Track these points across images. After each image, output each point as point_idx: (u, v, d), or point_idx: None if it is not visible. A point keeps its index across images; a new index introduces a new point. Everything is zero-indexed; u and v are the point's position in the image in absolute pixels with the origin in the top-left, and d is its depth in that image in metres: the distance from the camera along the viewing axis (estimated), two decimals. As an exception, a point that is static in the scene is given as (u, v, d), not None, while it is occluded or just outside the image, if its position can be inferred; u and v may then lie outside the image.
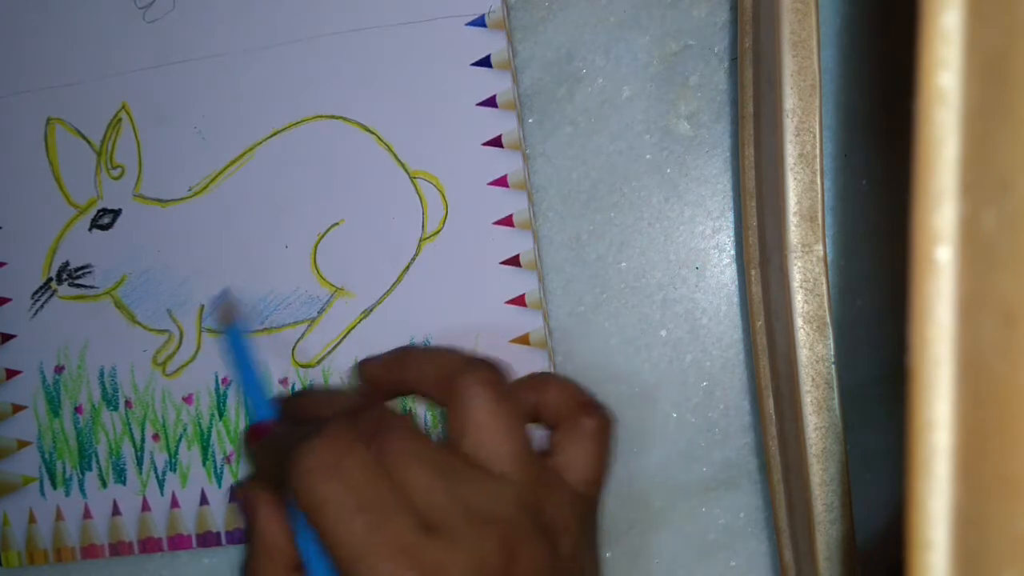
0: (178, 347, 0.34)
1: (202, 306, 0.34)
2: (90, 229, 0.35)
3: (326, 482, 0.26)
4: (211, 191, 0.34)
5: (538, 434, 0.30)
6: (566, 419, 0.30)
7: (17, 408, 0.35)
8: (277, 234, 0.34)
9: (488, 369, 0.29)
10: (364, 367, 0.33)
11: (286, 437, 0.29)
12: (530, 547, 0.27)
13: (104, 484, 0.35)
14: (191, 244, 0.34)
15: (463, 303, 0.33)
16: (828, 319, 0.25)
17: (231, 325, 0.33)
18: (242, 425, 0.34)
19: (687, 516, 0.33)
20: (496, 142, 0.33)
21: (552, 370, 0.33)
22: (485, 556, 0.26)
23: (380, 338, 0.33)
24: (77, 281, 0.35)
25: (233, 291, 0.34)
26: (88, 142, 0.35)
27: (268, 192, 0.34)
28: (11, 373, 0.35)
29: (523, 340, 0.33)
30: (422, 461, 0.27)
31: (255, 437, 0.31)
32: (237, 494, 0.31)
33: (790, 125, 0.25)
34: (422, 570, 0.25)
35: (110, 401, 0.35)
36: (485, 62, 0.33)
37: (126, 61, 0.35)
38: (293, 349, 0.34)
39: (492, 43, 0.33)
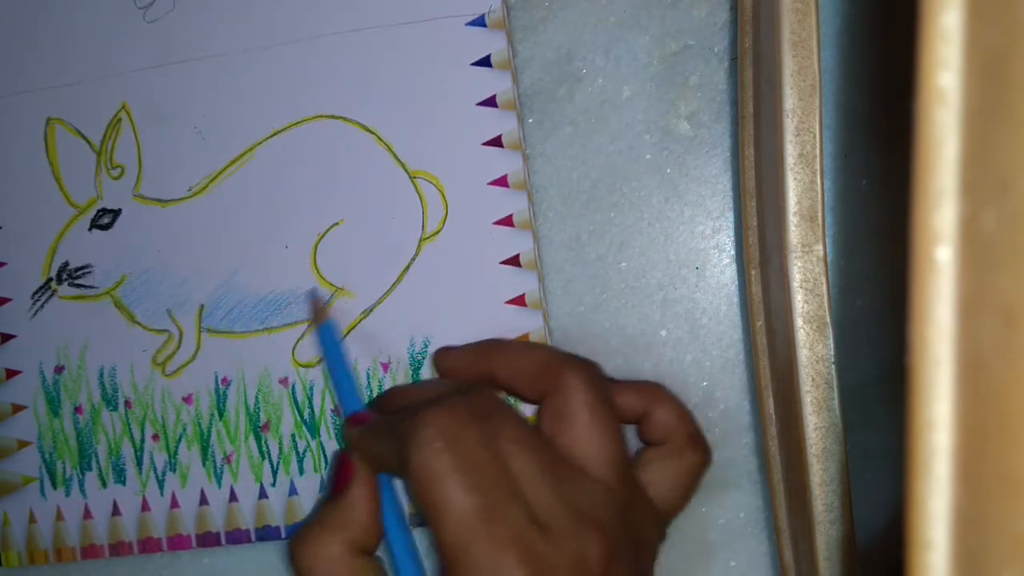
0: (178, 347, 0.34)
1: (201, 306, 0.34)
2: (90, 229, 0.35)
3: (443, 453, 0.25)
4: (211, 191, 0.34)
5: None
6: (671, 445, 0.30)
7: (17, 408, 0.35)
8: (277, 234, 0.34)
9: (590, 367, 0.29)
10: (444, 357, 0.32)
11: (390, 422, 0.28)
12: (624, 555, 0.26)
13: (104, 484, 0.35)
14: (191, 244, 0.34)
15: (463, 303, 0.33)
16: (828, 319, 0.25)
17: (323, 323, 0.33)
18: (242, 426, 0.34)
19: (687, 516, 0.33)
20: (496, 142, 0.33)
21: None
22: (588, 558, 0.25)
23: (380, 338, 0.33)
24: (77, 281, 0.35)
25: (320, 291, 0.34)
26: (88, 142, 0.35)
27: (268, 192, 0.34)
28: (11, 373, 0.35)
29: (523, 340, 0.33)
30: (533, 452, 0.26)
31: (354, 424, 0.30)
32: (339, 457, 0.30)
33: (790, 125, 0.25)
34: (533, 566, 0.24)
35: (110, 401, 0.35)
36: (485, 62, 0.33)
37: (126, 61, 0.35)
38: (293, 349, 0.34)
39: (492, 43, 0.33)
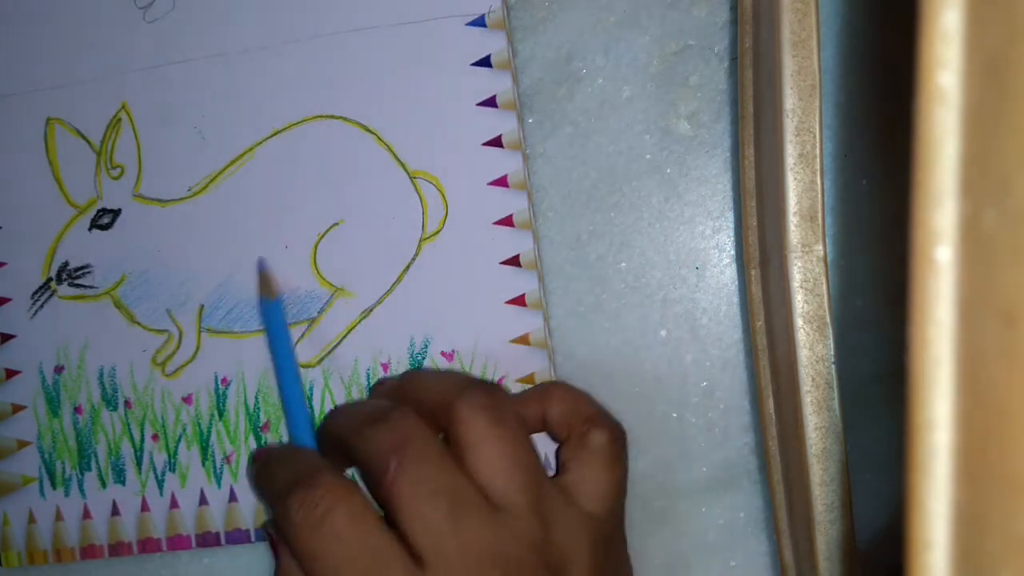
0: (177, 347, 0.34)
1: (201, 306, 0.34)
2: (90, 229, 0.35)
3: (320, 540, 0.26)
4: (211, 191, 0.34)
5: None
6: (573, 434, 0.30)
7: (17, 408, 0.35)
8: (277, 234, 0.34)
9: (484, 393, 0.28)
10: (377, 389, 0.33)
11: (278, 488, 0.29)
12: None
13: (103, 484, 0.35)
14: (191, 244, 0.34)
15: (463, 303, 0.33)
16: (828, 319, 0.25)
17: (267, 297, 0.33)
18: (242, 426, 0.34)
19: (687, 516, 0.33)
20: (496, 142, 0.33)
21: (552, 370, 0.33)
22: None
23: (380, 338, 0.33)
24: (77, 281, 0.35)
25: (268, 263, 0.34)
26: (88, 142, 0.35)
27: (268, 192, 0.34)
28: (11, 373, 0.35)
29: (523, 340, 0.33)
30: (433, 493, 0.26)
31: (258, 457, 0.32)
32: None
33: (790, 125, 0.25)
34: None
35: (110, 401, 0.35)
36: (485, 62, 0.33)
37: (126, 61, 0.35)
38: (293, 349, 0.34)
39: (492, 43, 0.33)
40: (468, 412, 0.28)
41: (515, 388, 0.33)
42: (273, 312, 0.33)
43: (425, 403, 0.29)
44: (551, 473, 0.31)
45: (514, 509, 0.27)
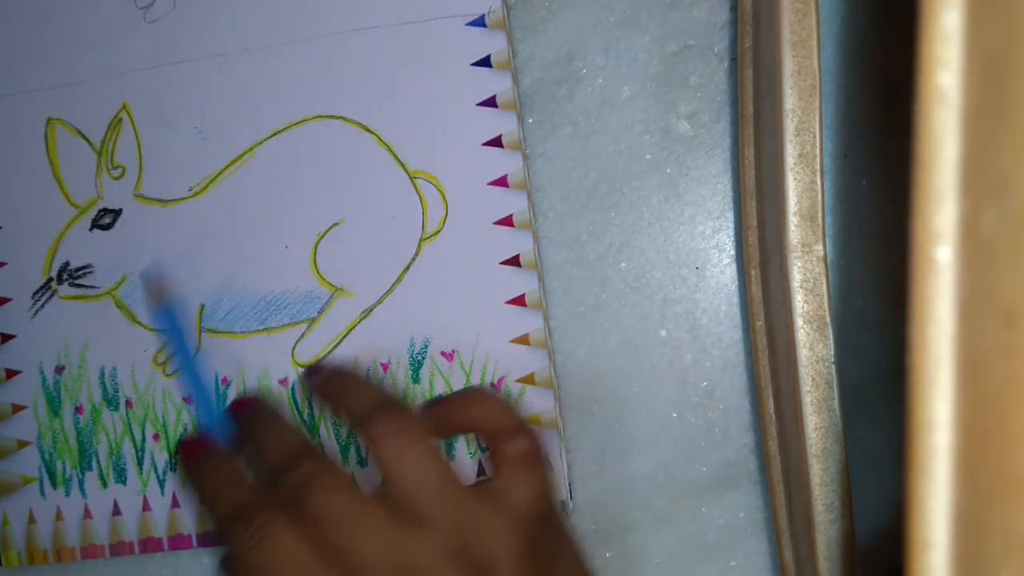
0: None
1: (202, 306, 0.34)
2: (91, 229, 0.35)
3: (250, 561, 0.28)
4: (211, 191, 0.34)
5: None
6: (493, 442, 0.31)
7: (17, 408, 0.35)
8: (277, 234, 0.34)
9: (392, 415, 0.30)
10: (309, 380, 0.33)
11: (213, 510, 0.30)
12: None
13: (104, 484, 0.35)
14: (191, 244, 0.34)
15: (463, 303, 0.33)
16: (828, 319, 0.25)
17: (162, 303, 0.34)
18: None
19: (687, 516, 0.33)
20: (496, 142, 0.33)
21: (552, 370, 0.33)
22: None
23: (380, 338, 0.33)
24: (77, 281, 0.35)
25: (158, 266, 0.34)
26: (89, 142, 0.35)
27: (268, 192, 0.34)
28: (11, 373, 0.35)
29: (523, 340, 0.33)
30: (345, 520, 0.28)
31: (191, 453, 0.32)
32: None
33: (790, 125, 0.25)
34: None
35: (111, 401, 0.35)
36: (485, 62, 0.33)
37: (127, 61, 0.35)
38: (293, 349, 0.34)
39: (492, 43, 0.33)
40: (376, 436, 0.29)
41: (515, 388, 0.33)
42: (164, 318, 0.34)
43: (347, 415, 0.31)
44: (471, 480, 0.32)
45: (430, 521, 0.28)
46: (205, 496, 0.31)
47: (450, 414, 0.31)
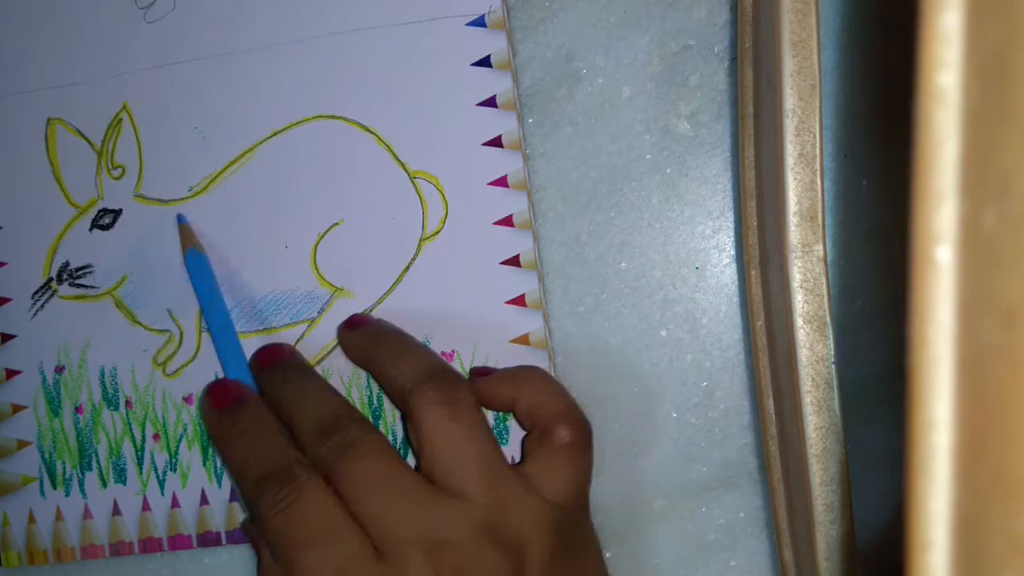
0: (178, 347, 0.34)
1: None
2: (91, 229, 0.35)
3: (282, 521, 0.28)
4: (211, 191, 0.34)
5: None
6: (537, 427, 0.30)
7: (17, 408, 0.35)
8: (277, 234, 0.34)
9: (437, 388, 0.29)
10: (350, 335, 0.32)
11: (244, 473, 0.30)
12: (484, 566, 0.27)
13: (104, 484, 0.35)
14: (191, 244, 0.34)
15: (463, 303, 0.33)
16: (828, 319, 0.25)
17: (192, 247, 0.33)
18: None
19: (687, 516, 0.33)
20: (496, 142, 0.33)
21: (552, 371, 0.33)
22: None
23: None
24: (77, 281, 0.35)
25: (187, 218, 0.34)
26: (89, 142, 0.35)
27: (268, 192, 0.34)
28: (11, 373, 0.35)
29: (523, 340, 0.33)
30: (380, 487, 0.28)
31: (221, 400, 0.31)
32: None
33: (790, 125, 0.25)
34: None
35: (110, 401, 0.35)
36: (485, 62, 0.33)
37: (127, 61, 0.35)
38: (293, 349, 0.34)
39: (492, 43, 0.33)
40: (422, 406, 0.29)
41: (515, 388, 0.33)
42: (198, 261, 0.33)
43: (389, 384, 0.31)
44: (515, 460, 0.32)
45: (466, 496, 0.28)
46: (237, 452, 0.30)
47: (500, 390, 0.31)
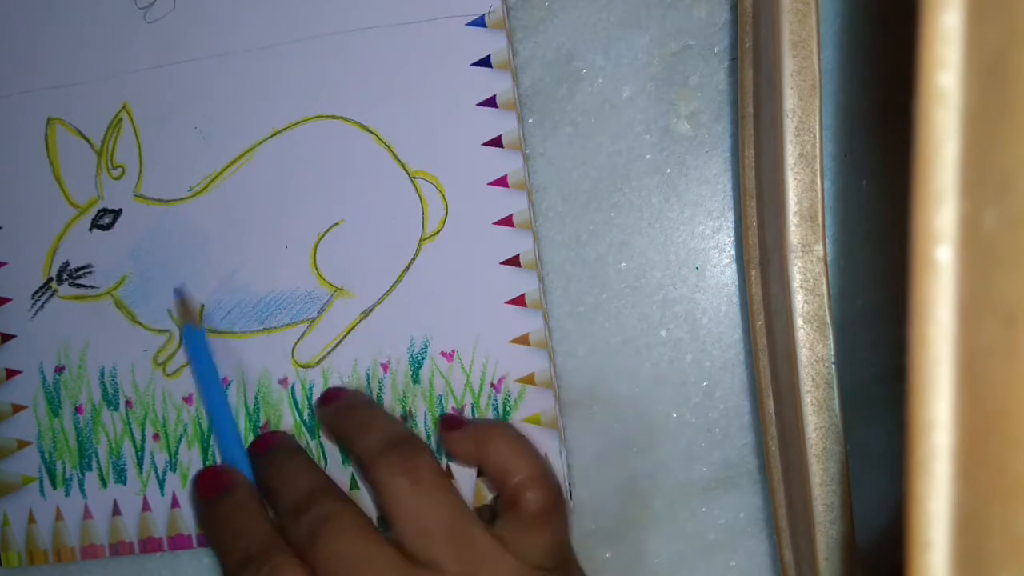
0: (178, 347, 0.34)
1: (202, 306, 0.34)
2: (90, 229, 0.35)
3: None
4: (211, 191, 0.34)
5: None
6: (508, 492, 0.30)
7: (17, 408, 0.35)
8: (277, 234, 0.34)
9: (400, 453, 0.29)
10: (320, 410, 0.33)
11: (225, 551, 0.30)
12: None
13: (104, 484, 0.35)
14: (191, 244, 0.34)
15: (463, 303, 0.33)
16: (828, 319, 0.25)
17: (189, 323, 0.33)
18: (242, 425, 0.34)
19: (687, 516, 0.33)
20: (496, 142, 0.33)
21: (552, 370, 0.33)
22: None
23: (380, 338, 0.33)
24: (77, 281, 0.35)
25: (187, 289, 0.34)
26: (88, 142, 0.35)
27: (268, 192, 0.34)
28: (11, 373, 0.35)
29: (523, 340, 0.33)
30: (353, 566, 0.28)
31: (210, 490, 0.32)
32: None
33: (790, 125, 0.25)
34: None
35: (110, 401, 0.35)
36: (485, 62, 0.33)
37: (127, 61, 0.35)
38: (293, 349, 0.34)
39: (492, 43, 0.33)
40: (383, 478, 0.29)
41: (515, 389, 0.33)
42: (195, 339, 0.33)
43: (354, 456, 0.31)
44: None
45: (438, 566, 0.28)
46: (220, 536, 0.30)
47: (466, 449, 0.30)
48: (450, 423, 0.31)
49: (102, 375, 0.35)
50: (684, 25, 0.33)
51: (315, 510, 0.29)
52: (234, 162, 0.34)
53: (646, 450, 0.33)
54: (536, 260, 0.33)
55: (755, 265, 0.29)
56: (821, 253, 0.25)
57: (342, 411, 0.32)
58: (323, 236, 0.34)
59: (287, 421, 0.34)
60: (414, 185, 0.33)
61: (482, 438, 0.30)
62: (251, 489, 0.31)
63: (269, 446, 0.33)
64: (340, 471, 0.33)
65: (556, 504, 0.29)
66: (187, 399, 0.34)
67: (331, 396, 0.33)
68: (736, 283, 0.33)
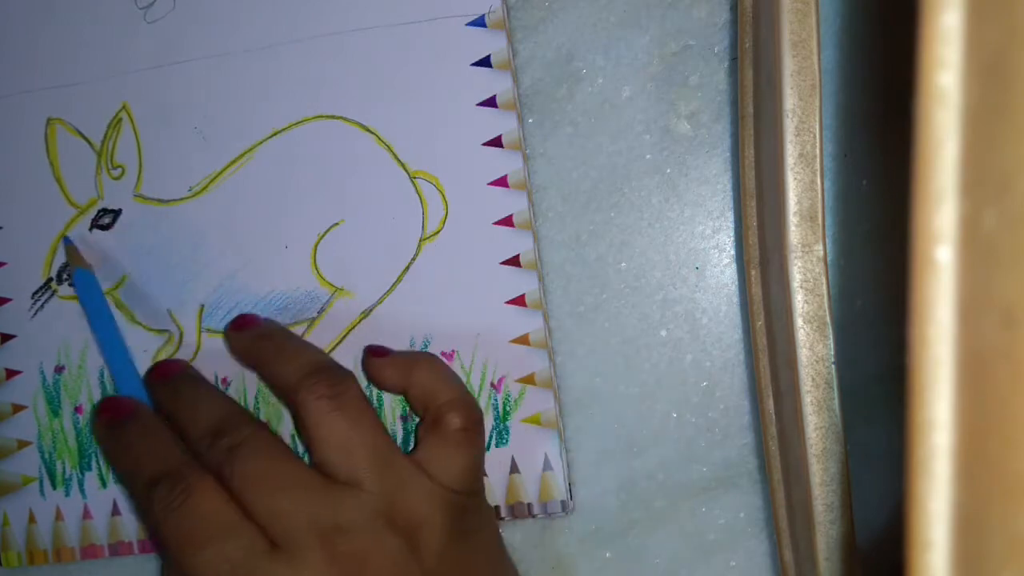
0: (178, 347, 0.34)
1: (202, 306, 0.34)
2: (90, 229, 0.35)
3: (175, 522, 0.27)
4: (211, 191, 0.34)
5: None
6: (431, 414, 0.30)
7: (17, 408, 0.35)
8: (277, 234, 0.34)
9: (324, 379, 0.29)
10: (233, 338, 0.33)
11: (131, 469, 0.30)
12: (381, 549, 0.27)
13: (104, 484, 0.35)
14: (191, 244, 0.34)
15: (463, 303, 0.33)
16: (828, 319, 0.25)
17: (79, 267, 0.34)
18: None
19: (687, 516, 0.33)
20: (496, 142, 0.33)
21: (552, 370, 0.33)
22: (333, 567, 0.27)
23: (380, 338, 0.33)
24: (77, 281, 0.35)
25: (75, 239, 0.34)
26: (88, 142, 0.35)
27: (268, 192, 0.34)
28: (11, 373, 0.35)
29: (523, 340, 0.33)
30: (272, 481, 0.28)
31: (115, 414, 0.31)
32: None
33: (790, 125, 0.25)
34: None
35: (110, 401, 0.35)
36: (485, 62, 0.33)
37: (127, 61, 0.35)
38: (293, 349, 0.34)
39: (492, 43, 0.33)
40: (307, 401, 0.29)
41: (515, 389, 0.33)
42: (86, 280, 0.34)
43: (276, 381, 0.31)
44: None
45: (358, 484, 0.28)
46: (128, 460, 0.30)
47: (391, 375, 0.31)
48: (376, 351, 0.32)
49: (102, 375, 0.35)
50: (684, 25, 0.33)
51: (233, 433, 0.29)
52: (234, 162, 0.34)
53: (646, 450, 0.33)
54: (536, 260, 0.33)
55: (755, 265, 0.29)
56: (821, 253, 0.25)
57: (261, 338, 0.32)
58: (323, 236, 0.34)
59: (287, 421, 0.34)
60: (414, 185, 0.33)
61: (408, 365, 0.31)
62: (155, 415, 0.31)
63: (170, 374, 0.33)
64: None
65: (476, 424, 0.30)
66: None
67: (245, 322, 0.33)
68: (736, 283, 0.33)
